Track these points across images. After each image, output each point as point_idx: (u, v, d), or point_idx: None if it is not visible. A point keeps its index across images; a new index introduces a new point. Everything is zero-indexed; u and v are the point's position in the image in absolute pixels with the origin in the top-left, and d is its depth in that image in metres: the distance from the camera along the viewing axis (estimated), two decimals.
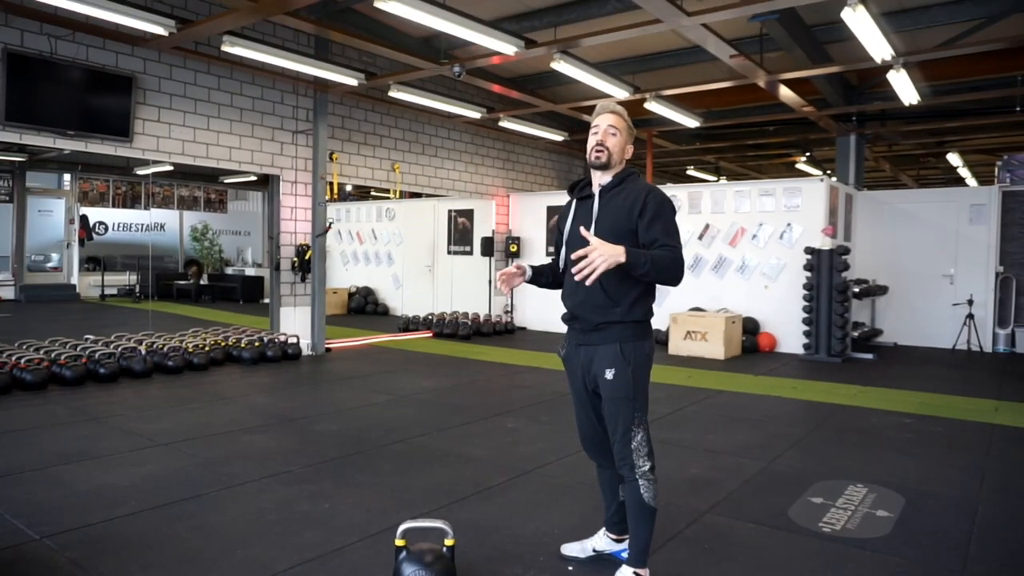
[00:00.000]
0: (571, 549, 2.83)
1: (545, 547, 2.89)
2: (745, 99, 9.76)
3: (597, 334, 2.48)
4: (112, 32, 6.42)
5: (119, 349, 6.68)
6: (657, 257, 2.32)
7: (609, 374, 2.44)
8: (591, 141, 2.60)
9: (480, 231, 11.58)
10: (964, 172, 15.57)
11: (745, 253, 9.26)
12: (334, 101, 8.61)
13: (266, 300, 11.71)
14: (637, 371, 2.45)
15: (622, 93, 8.13)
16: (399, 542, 2.46)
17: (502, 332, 10.49)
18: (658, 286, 2.54)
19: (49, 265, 14.32)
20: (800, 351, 8.57)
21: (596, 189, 2.61)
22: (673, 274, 2.36)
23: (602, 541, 2.81)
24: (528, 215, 11.34)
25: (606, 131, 2.57)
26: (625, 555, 2.75)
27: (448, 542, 2.47)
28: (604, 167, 2.57)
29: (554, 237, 2.79)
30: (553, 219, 11.02)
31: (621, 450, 2.45)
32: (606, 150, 2.55)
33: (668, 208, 2.45)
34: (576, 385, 2.63)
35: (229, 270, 15.72)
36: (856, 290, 8.76)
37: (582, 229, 2.42)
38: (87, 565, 2.68)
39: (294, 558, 2.77)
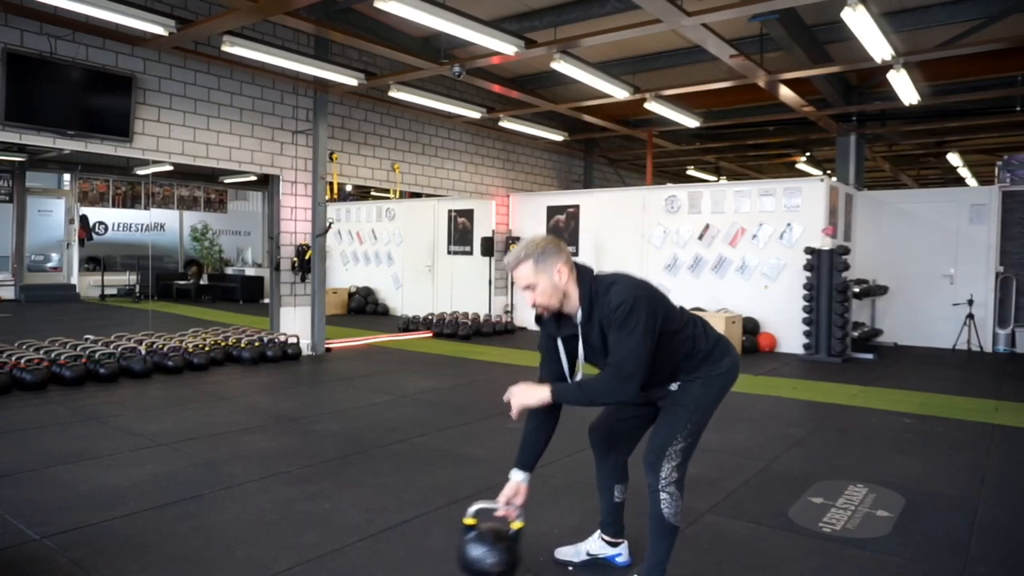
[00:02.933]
0: (565, 553, 2.80)
1: (545, 547, 2.89)
2: (745, 99, 9.75)
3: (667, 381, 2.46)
4: (112, 32, 6.42)
5: (119, 349, 6.68)
6: (588, 385, 2.29)
7: (674, 386, 2.42)
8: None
9: (480, 231, 11.57)
10: (964, 172, 15.57)
11: (745, 253, 9.26)
12: (334, 101, 8.61)
13: (266, 300, 11.70)
14: (704, 387, 2.41)
15: (622, 93, 8.14)
16: (469, 521, 2.42)
17: (502, 332, 10.49)
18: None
19: (49, 265, 14.32)
20: (800, 351, 8.57)
21: (573, 320, 2.40)
22: (608, 392, 2.26)
23: (596, 544, 2.77)
24: (528, 215, 11.34)
25: (526, 294, 2.37)
26: (619, 559, 2.74)
27: (515, 525, 2.43)
28: (559, 312, 2.39)
29: (547, 365, 2.54)
30: (554, 219, 11.03)
31: (656, 451, 2.35)
32: (543, 306, 2.37)
33: (626, 317, 2.23)
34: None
35: (229, 270, 15.72)
36: (856, 290, 8.75)
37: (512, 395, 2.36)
38: (87, 565, 2.68)
39: (294, 558, 2.77)
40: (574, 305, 2.36)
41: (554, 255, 2.33)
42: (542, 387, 2.35)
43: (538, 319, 2.49)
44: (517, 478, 2.48)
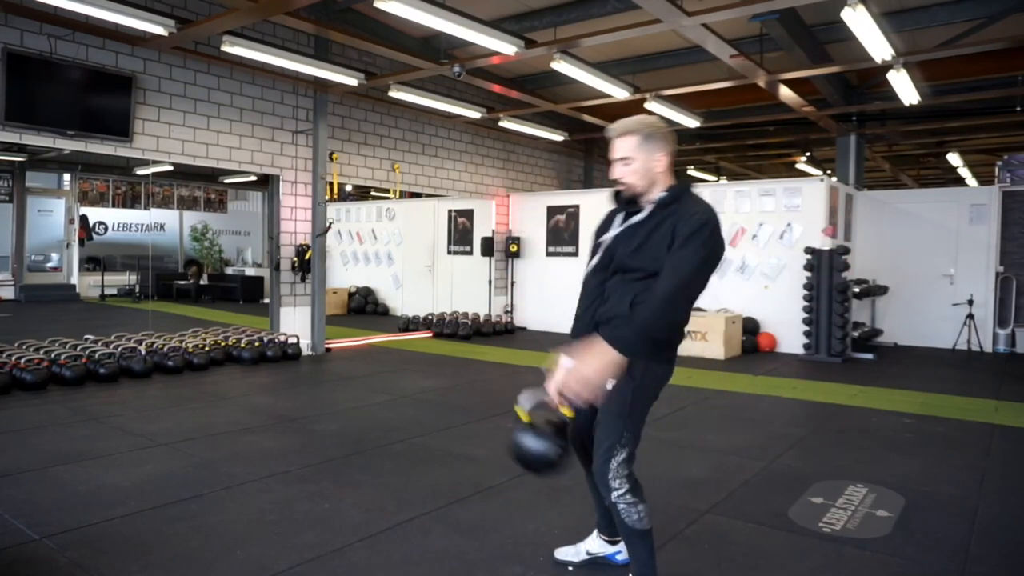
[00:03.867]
0: (565, 553, 2.80)
1: (545, 547, 2.89)
2: (745, 99, 9.75)
3: None
4: (112, 32, 6.42)
5: (119, 349, 6.68)
6: (638, 319, 2.19)
7: (609, 384, 2.29)
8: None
9: (480, 231, 11.57)
10: (964, 172, 15.57)
11: (745, 253, 9.26)
12: (334, 101, 8.61)
13: (266, 300, 11.70)
14: (639, 391, 2.30)
15: (622, 93, 8.14)
16: (525, 417, 2.37)
17: (502, 332, 10.49)
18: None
19: (49, 265, 14.31)
20: (800, 351, 8.57)
21: (647, 206, 2.36)
22: (660, 319, 2.18)
23: (595, 543, 2.77)
24: (528, 215, 11.33)
25: (617, 165, 2.34)
26: (619, 557, 2.74)
27: (566, 411, 2.37)
28: (639, 195, 2.36)
29: (597, 248, 2.48)
30: (554, 219, 11.03)
31: (600, 467, 2.32)
32: (626, 184, 2.35)
33: (696, 235, 2.19)
34: None
35: (229, 270, 15.71)
36: (856, 290, 8.75)
37: (563, 357, 2.26)
38: (87, 565, 2.68)
39: (294, 558, 2.77)
40: (657, 190, 2.32)
41: (661, 141, 2.32)
42: (599, 347, 2.20)
43: (616, 195, 2.45)
44: (567, 365, 2.35)
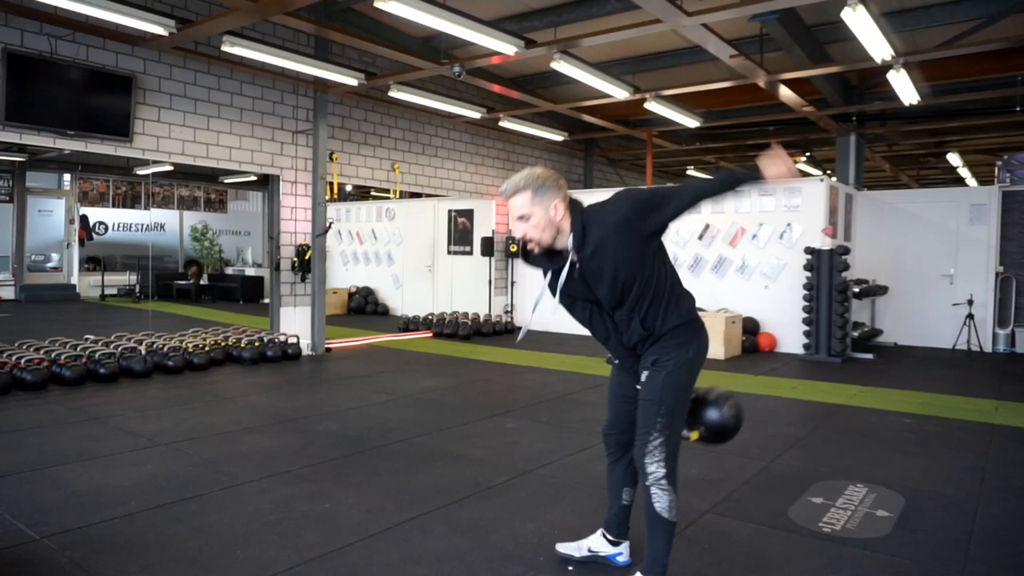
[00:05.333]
0: (567, 548, 2.81)
1: (545, 547, 2.89)
2: (745, 99, 9.75)
3: (643, 347, 2.45)
4: (112, 32, 6.42)
5: (119, 349, 6.68)
6: (717, 178, 2.33)
7: (644, 375, 2.41)
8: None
9: (480, 231, 11.57)
10: (964, 172, 15.57)
11: (745, 253, 9.26)
12: (334, 101, 8.61)
13: (266, 300, 11.71)
14: (670, 377, 2.35)
15: (622, 93, 8.14)
16: (694, 436, 2.54)
17: (502, 332, 10.49)
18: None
19: (49, 265, 14.32)
20: (800, 351, 8.57)
21: (568, 255, 2.33)
22: (716, 184, 2.31)
23: (598, 542, 2.77)
24: None
25: (517, 224, 2.33)
26: (619, 559, 2.74)
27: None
28: (551, 247, 2.35)
29: (576, 303, 2.48)
30: None
31: (639, 450, 2.39)
32: (532, 240, 2.34)
33: (648, 199, 2.27)
34: (613, 391, 2.65)
35: (229, 270, 15.72)
36: (856, 290, 8.75)
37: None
38: (87, 565, 2.68)
39: (294, 558, 2.77)
40: (565, 240, 2.33)
41: (552, 190, 2.31)
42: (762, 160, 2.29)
43: (526, 256, 2.45)
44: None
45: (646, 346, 2.43)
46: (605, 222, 2.28)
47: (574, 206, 2.35)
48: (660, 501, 2.36)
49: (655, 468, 2.36)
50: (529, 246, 2.37)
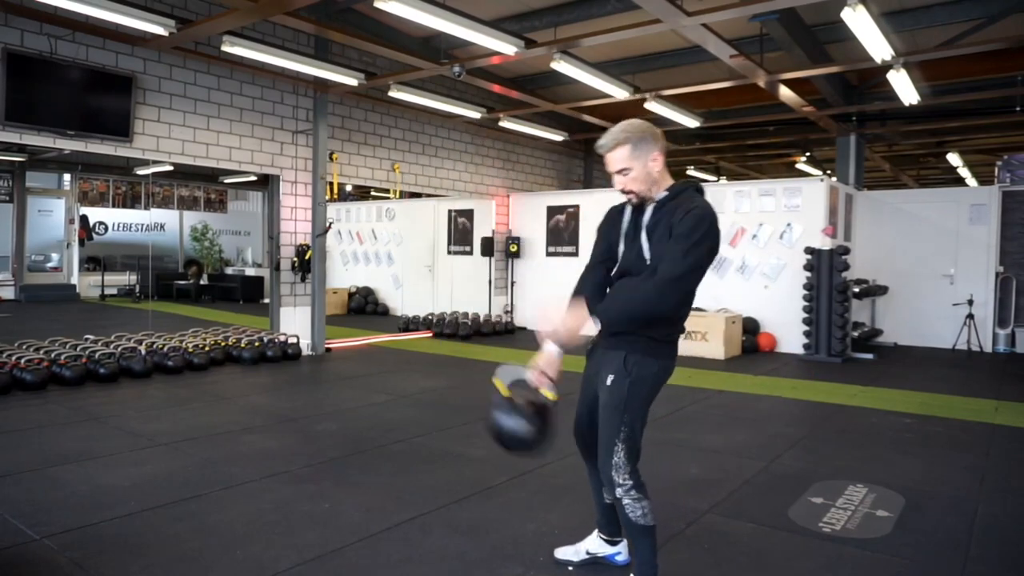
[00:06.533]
0: (565, 553, 2.80)
1: (545, 547, 2.89)
2: (745, 99, 9.75)
3: (612, 339, 2.41)
4: (112, 32, 6.41)
5: (119, 349, 6.68)
6: (627, 298, 2.27)
7: (608, 380, 2.38)
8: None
9: (480, 231, 11.57)
10: (964, 172, 15.57)
11: (745, 253, 9.26)
12: (334, 101, 8.61)
13: (266, 300, 11.70)
14: (635, 385, 2.34)
15: (622, 93, 8.14)
16: (504, 391, 2.34)
17: (502, 332, 10.49)
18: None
19: (49, 265, 14.31)
20: (800, 351, 8.57)
21: (649, 206, 2.41)
22: (647, 300, 2.22)
23: (595, 543, 2.77)
24: (528, 215, 11.33)
25: (617, 178, 2.37)
26: (619, 558, 2.74)
27: (548, 394, 2.34)
28: (645, 199, 2.39)
29: (601, 244, 2.56)
30: (554, 219, 11.03)
31: (604, 462, 2.38)
32: (632, 192, 2.38)
33: (694, 228, 2.22)
34: (586, 380, 2.59)
35: (229, 270, 15.72)
36: (856, 290, 8.75)
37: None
38: (87, 565, 2.68)
39: (294, 558, 2.77)
40: (654, 197, 2.36)
41: (651, 142, 2.33)
42: (577, 307, 2.30)
43: (603, 225, 2.54)
44: (552, 350, 2.38)
45: (620, 331, 2.36)
46: (688, 211, 2.26)
47: (683, 179, 2.42)
48: (635, 510, 2.35)
49: (623, 480, 2.35)
50: (628, 198, 2.40)
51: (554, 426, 2.37)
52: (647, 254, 2.34)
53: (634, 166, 2.33)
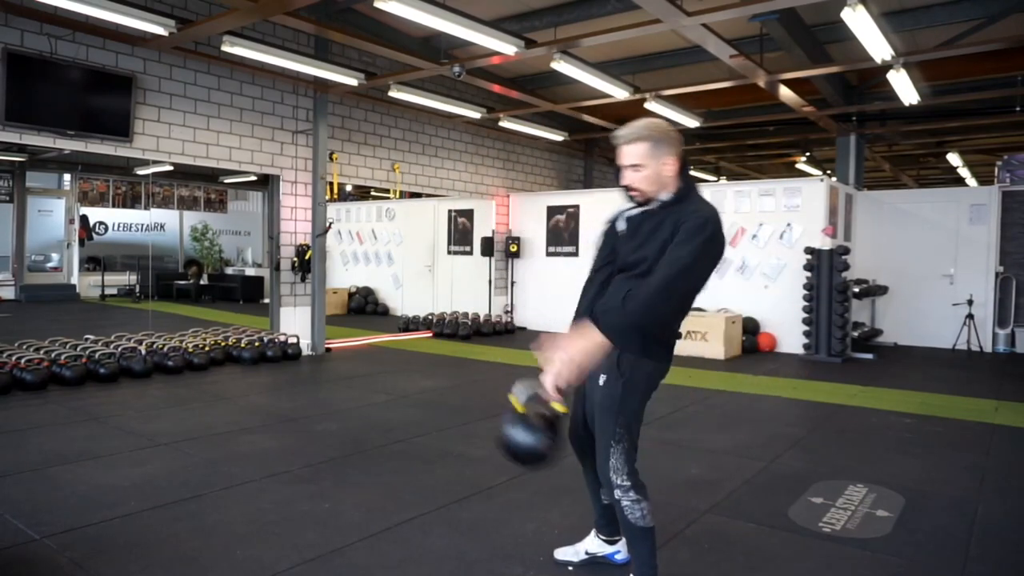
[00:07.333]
0: (564, 553, 2.80)
1: (545, 547, 2.89)
2: (745, 99, 9.75)
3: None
4: (112, 32, 6.41)
5: (119, 349, 6.68)
6: (627, 307, 2.17)
7: (601, 380, 2.36)
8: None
9: (480, 231, 11.57)
10: (964, 172, 15.57)
11: (745, 253, 9.26)
12: (334, 101, 8.61)
13: (266, 300, 11.69)
14: (628, 386, 2.32)
15: (622, 93, 8.14)
16: (520, 407, 2.30)
17: (502, 332, 10.49)
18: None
19: (49, 265, 14.31)
20: (800, 351, 8.57)
21: (653, 204, 2.39)
22: (646, 305, 2.16)
23: (594, 543, 2.77)
24: (528, 215, 11.33)
25: (627, 172, 2.35)
26: (618, 556, 2.74)
27: (559, 407, 2.29)
28: (647, 201, 2.37)
29: (603, 251, 2.54)
30: (554, 219, 11.03)
31: (601, 465, 2.37)
32: (637, 190, 2.35)
33: (697, 232, 2.20)
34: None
35: (229, 270, 15.71)
36: (856, 290, 8.75)
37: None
38: (87, 565, 2.68)
39: (294, 558, 2.77)
40: (667, 193, 2.35)
41: (670, 145, 2.33)
42: (586, 329, 2.20)
43: (602, 238, 2.52)
44: (560, 354, 2.32)
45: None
46: (693, 212, 2.25)
47: (687, 177, 2.38)
48: (633, 512, 2.33)
49: (621, 481, 2.33)
50: (632, 195, 2.38)
51: (564, 438, 2.37)
52: (647, 253, 2.33)
53: (648, 164, 2.32)
